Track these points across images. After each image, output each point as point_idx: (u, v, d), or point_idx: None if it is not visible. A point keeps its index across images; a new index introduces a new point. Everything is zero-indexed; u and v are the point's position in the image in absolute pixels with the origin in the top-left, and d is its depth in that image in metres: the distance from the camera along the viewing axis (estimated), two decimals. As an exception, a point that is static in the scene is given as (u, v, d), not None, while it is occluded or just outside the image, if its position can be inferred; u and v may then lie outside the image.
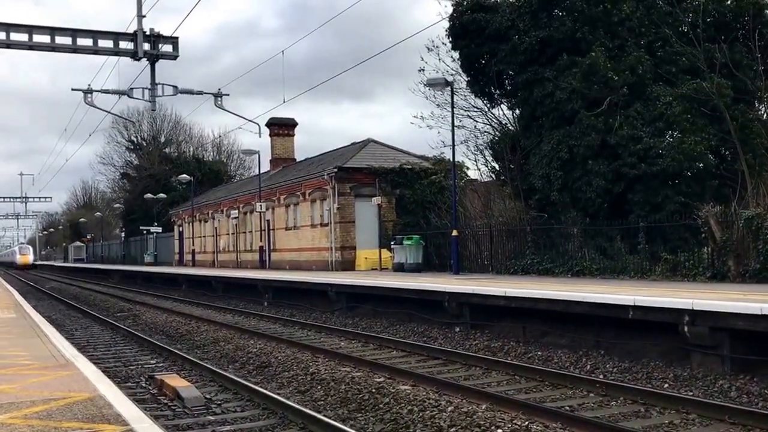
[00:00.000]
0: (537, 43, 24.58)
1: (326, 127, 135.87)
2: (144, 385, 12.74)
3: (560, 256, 23.40)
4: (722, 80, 22.74)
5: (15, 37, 24.44)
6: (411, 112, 78.95)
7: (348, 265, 33.82)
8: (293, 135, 51.38)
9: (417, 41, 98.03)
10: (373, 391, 11.08)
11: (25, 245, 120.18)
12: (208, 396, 11.34)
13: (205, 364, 14.33)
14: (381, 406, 10.25)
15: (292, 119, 51.01)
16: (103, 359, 16.15)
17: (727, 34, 24.19)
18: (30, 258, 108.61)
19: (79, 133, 70.67)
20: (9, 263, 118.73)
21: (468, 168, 34.71)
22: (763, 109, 25.84)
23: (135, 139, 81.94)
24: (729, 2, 24.52)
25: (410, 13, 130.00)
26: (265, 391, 11.27)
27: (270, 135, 49.94)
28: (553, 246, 24.05)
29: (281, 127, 50.06)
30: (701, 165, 22.36)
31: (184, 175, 54.61)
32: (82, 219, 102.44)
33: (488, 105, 29.45)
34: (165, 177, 69.28)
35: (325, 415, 9.68)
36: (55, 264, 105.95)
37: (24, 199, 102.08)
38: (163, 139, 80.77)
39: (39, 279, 67.42)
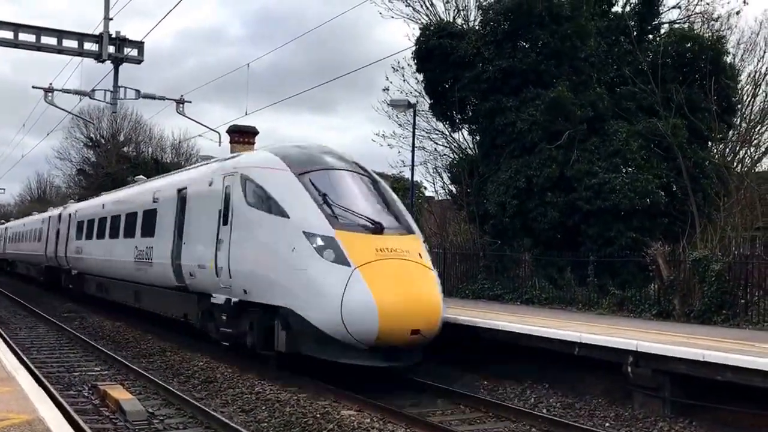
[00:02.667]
0: (500, 72, 24.73)
1: (287, 136, 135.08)
2: (86, 394, 12.66)
3: (511, 282, 23.56)
4: (678, 120, 23.23)
5: (-24, 31, 24.05)
6: (372, 128, 79.58)
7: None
8: (254, 143, 50.89)
9: (381, 58, 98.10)
10: (318, 415, 11.10)
11: None
12: (151, 410, 11.29)
13: (150, 376, 14.24)
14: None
15: (254, 127, 50.59)
16: (47, 363, 16.01)
17: (685, 76, 24.72)
18: None
19: (38, 128, 69.41)
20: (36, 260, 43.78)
21: (425, 188, 34.89)
22: (716, 150, 26.45)
23: (94, 136, 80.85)
24: (689, 45, 25.05)
25: (375, 30, 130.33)
26: (208, 409, 11.24)
27: (230, 142, 49.39)
28: (505, 272, 24.21)
29: (242, 135, 49.51)
30: (651, 201, 22.66)
31: (141, 176, 53.92)
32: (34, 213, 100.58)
33: (449, 129, 29.71)
34: (122, 176, 68.36)
35: (268, 439, 9.71)
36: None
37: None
38: (122, 138, 79.80)
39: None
